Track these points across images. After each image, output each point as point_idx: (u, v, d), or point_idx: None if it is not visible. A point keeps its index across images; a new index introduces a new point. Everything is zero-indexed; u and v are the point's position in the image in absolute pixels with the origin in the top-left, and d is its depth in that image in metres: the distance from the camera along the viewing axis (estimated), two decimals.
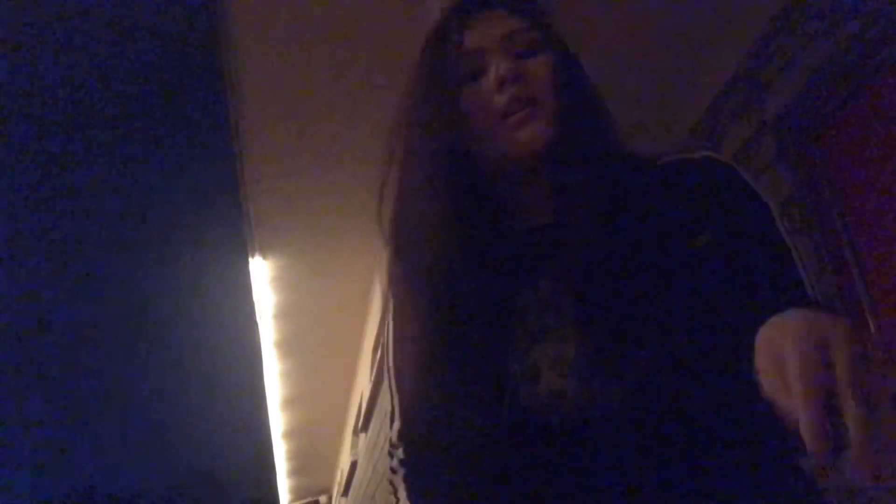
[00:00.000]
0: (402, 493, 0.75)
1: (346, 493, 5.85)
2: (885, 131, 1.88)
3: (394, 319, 0.83)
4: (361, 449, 4.94)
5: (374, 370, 3.94)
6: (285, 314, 4.60)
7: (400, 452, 0.77)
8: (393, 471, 0.78)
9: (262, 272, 4.11)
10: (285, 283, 4.24)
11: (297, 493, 8.82)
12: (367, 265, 4.23)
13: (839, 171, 2.04)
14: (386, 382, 0.86)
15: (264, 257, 3.96)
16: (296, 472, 8.06)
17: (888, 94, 1.88)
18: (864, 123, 1.96)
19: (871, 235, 1.89)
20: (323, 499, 8.89)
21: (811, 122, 2.15)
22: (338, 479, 7.25)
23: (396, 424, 0.79)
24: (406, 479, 0.75)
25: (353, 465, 5.43)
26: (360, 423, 4.88)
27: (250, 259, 3.96)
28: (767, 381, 0.49)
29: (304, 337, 4.95)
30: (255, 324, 4.73)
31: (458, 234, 0.68)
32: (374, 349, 4.08)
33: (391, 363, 0.82)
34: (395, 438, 0.78)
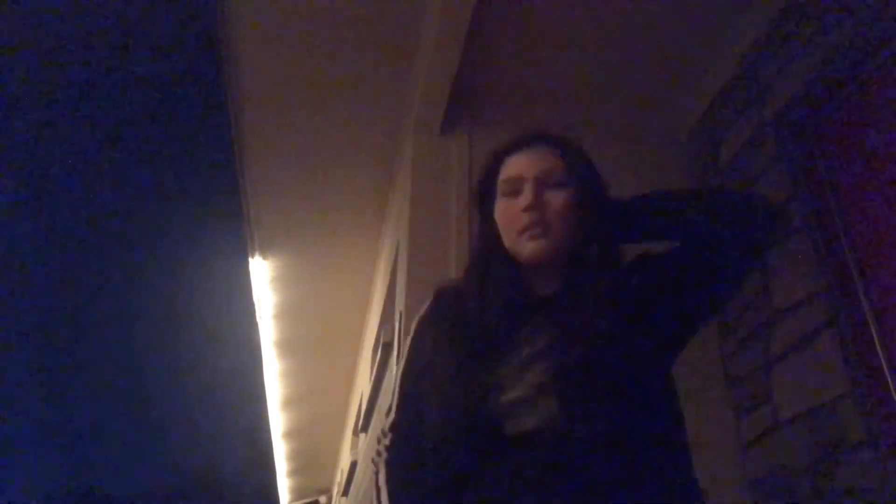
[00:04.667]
0: (382, 474, 0.99)
1: (346, 493, 5.85)
2: (885, 131, 1.88)
3: (416, 344, 1.10)
4: (361, 449, 4.93)
5: (374, 370, 3.93)
6: (285, 314, 4.59)
7: (387, 440, 1.02)
8: (378, 454, 1.01)
9: (262, 272, 4.10)
10: (285, 283, 4.24)
11: (297, 493, 8.80)
12: (367, 265, 4.22)
13: (839, 171, 2.03)
14: (389, 385, 1.04)
15: (264, 257, 3.95)
16: (296, 472, 8.05)
17: (888, 94, 1.88)
18: (864, 123, 1.96)
19: (871, 235, 1.89)
20: (323, 499, 8.88)
21: (811, 122, 2.15)
22: (338, 479, 7.25)
23: (392, 417, 1.04)
24: (387, 463, 0.99)
25: (353, 465, 5.42)
26: (360, 423, 4.87)
27: (250, 259, 3.95)
28: None
29: (304, 337, 4.94)
30: (255, 324, 4.72)
31: (490, 294, 1.01)
32: (374, 349, 4.07)
33: (401, 372, 1.09)
34: (386, 428, 1.04)
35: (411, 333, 1.12)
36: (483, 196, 1.11)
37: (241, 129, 3.02)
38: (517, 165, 1.05)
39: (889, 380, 1.75)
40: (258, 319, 4.65)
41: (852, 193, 1.98)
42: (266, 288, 4.26)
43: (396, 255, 2.98)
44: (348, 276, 4.32)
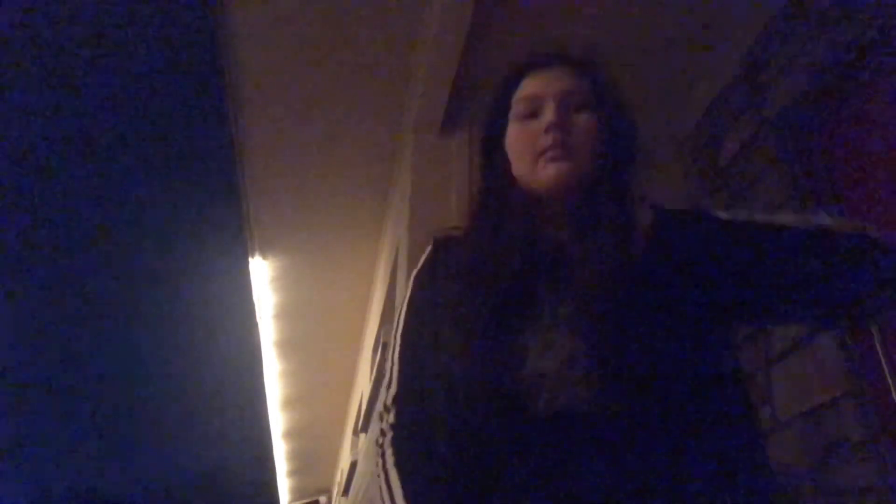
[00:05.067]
0: (389, 455, 0.84)
1: (346, 492, 5.85)
2: (885, 131, 1.88)
3: (415, 301, 0.95)
4: (361, 449, 4.94)
5: (374, 370, 3.93)
6: (285, 314, 4.60)
7: (391, 416, 0.87)
8: (382, 433, 0.87)
9: (262, 272, 4.10)
10: (285, 283, 4.24)
11: (297, 493, 8.81)
12: (367, 265, 4.22)
13: (839, 171, 2.03)
14: (388, 355, 0.95)
15: (264, 257, 3.95)
16: (296, 472, 8.05)
17: (887, 94, 1.88)
18: (864, 123, 1.96)
19: None
20: (323, 499, 8.88)
21: (811, 122, 2.15)
22: (338, 479, 7.25)
23: (393, 389, 0.90)
24: (393, 443, 0.85)
25: (353, 465, 5.43)
26: (360, 424, 4.88)
27: (250, 259, 3.96)
28: None
29: (304, 337, 4.94)
30: (255, 324, 4.72)
31: (505, 238, 0.86)
32: (374, 349, 4.07)
33: (399, 337, 0.94)
34: (388, 401, 0.89)
35: (409, 290, 0.96)
36: (492, 123, 0.96)
37: (241, 130, 3.02)
38: (537, 84, 0.91)
39: (889, 380, 1.75)
40: (258, 319, 4.65)
41: (851, 194, 1.98)
42: (266, 288, 4.26)
43: (396, 256, 2.98)
44: (348, 276, 4.32)
